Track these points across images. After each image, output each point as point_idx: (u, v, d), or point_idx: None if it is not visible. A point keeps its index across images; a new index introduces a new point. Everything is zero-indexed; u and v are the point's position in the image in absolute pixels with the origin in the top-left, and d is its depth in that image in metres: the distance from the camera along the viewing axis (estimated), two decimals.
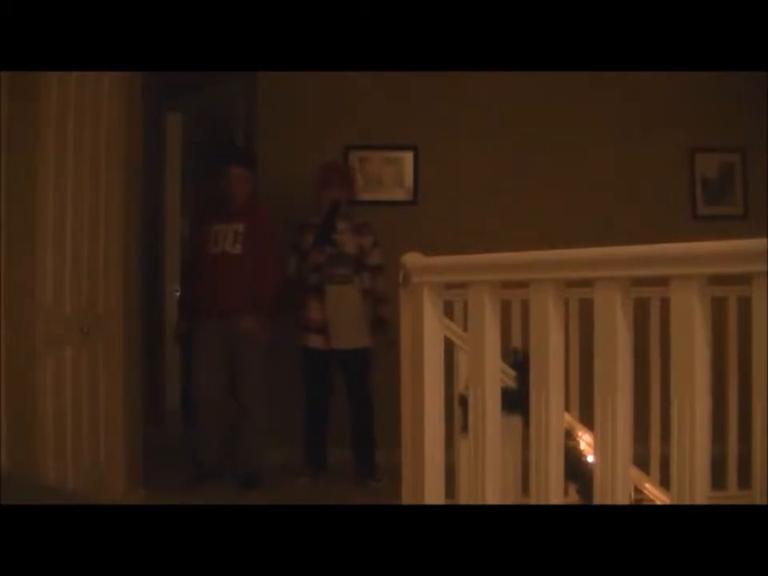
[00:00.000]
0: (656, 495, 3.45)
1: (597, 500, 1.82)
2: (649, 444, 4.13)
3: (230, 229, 5.02)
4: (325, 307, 5.03)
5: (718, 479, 3.82)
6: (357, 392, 5.14)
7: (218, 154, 5.45)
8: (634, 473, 3.30)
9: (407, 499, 2.61)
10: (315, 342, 5.07)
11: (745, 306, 3.24)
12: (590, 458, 3.11)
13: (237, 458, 5.07)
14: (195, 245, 5.24)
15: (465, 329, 2.92)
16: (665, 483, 3.12)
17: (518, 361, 3.24)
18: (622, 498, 1.79)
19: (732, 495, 4.05)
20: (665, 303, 2.01)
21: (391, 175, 5.72)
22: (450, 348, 3.00)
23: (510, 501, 2.99)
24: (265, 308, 4.97)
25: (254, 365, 5.00)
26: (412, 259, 2.60)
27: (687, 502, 1.60)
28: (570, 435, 3.07)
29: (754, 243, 1.46)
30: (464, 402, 2.76)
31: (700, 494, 1.60)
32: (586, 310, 3.09)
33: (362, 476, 5.09)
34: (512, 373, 3.22)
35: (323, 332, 5.05)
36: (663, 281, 1.69)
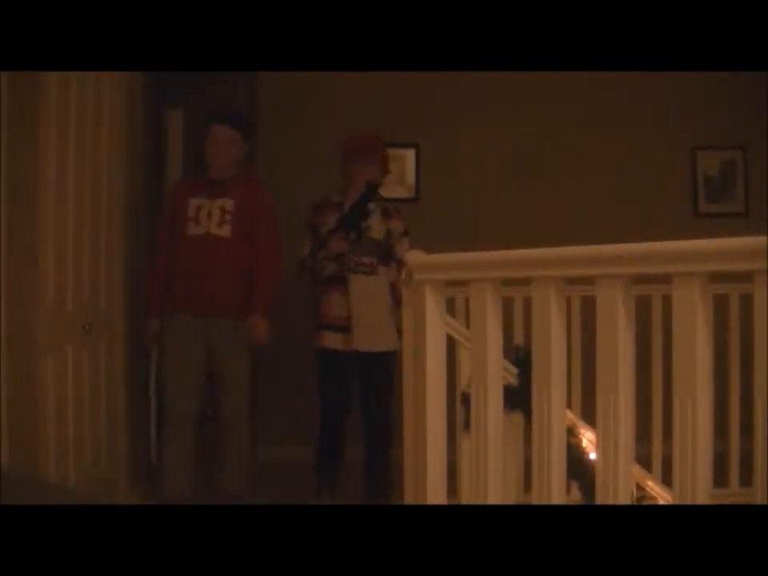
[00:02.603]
0: (658, 493, 3.45)
1: (599, 497, 1.82)
2: (651, 441, 4.14)
3: (215, 205, 4.10)
4: (347, 301, 4.25)
5: (719, 477, 3.82)
6: (376, 404, 4.32)
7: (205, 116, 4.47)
8: (636, 470, 3.30)
9: (409, 498, 2.62)
10: (333, 341, 4.29)
11: (746, 303, 3.24)
12: (592, 456, 3.11)
13: (220, 483, 4.23)
14: (170, 224, 4.20)
15: (467, 326, 2.93)
16: (667, 481, 3.12)
17: (520, 358, 3.25)
18: (624, 495, 1.79)
19: (734, 493, 4.05)
20: (666, 301, 2.01)
21: (393, 173, 5.70)
22: (452, 345, 3.00)
23: (511, 498, 3.00)
24: (265, 309, 4.15)
25: (239, 371, 4.18)
26: (414, 257, 2.61)
27: (689, 500, 1.60)
28: (571, 432, 3.07)
29: (756, 241, 1.47)
30: (466, 399, 2.77)
31: (702, 491, 1.60)
32: (588, 307, 3.09)
33: (371, 495, 4.38)
34: (514, 370, 3.23)
35: (344, 330, 4.25)
36: (665, 278, 1.70)
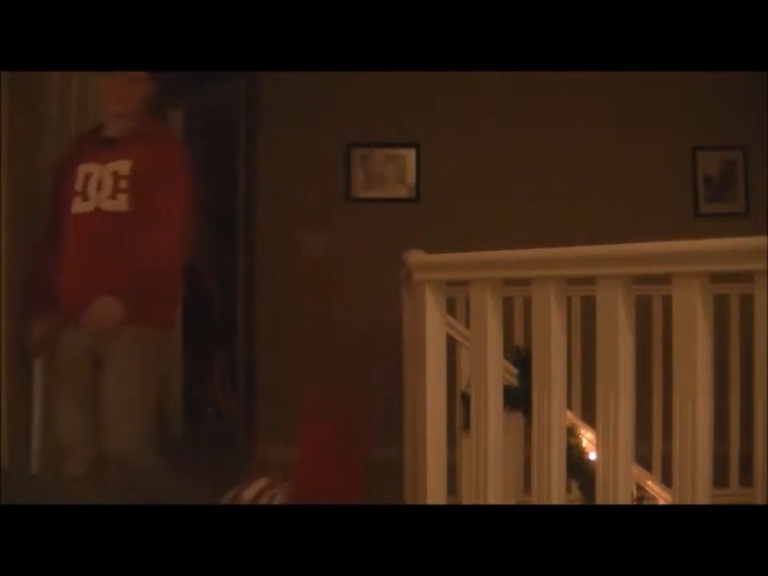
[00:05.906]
0: (658, 493, 3.45)
1: (599, 497, 1.82)
2: (651, 442, 4.14)
3: (106, 170, 2.99)
4: None
5: (719, 477, 3.82)
6: None
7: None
8: (636, 470, 3.31)
9: (409, 498, 2.62)
10: None
11: (747, 303, 3.24)
12: (592, 456, 3.11)
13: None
14: (51, 200, 3.15)
15: (467, 326, 2.93)
16: (667, 481, 3.12)
17: (520, 358, 3.25)
18: (624, 495, 1.79)
19: (734, 493, 4.06)
20: (667, 301, 2.01)
21: (393, 172, 5.71)
22: (452, 345, 3.00)
23: (511, 498, 3.00)
24: (144, 288, 2.95)
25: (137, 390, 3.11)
26: (414, 257, 2.61)
27: (689, 500, 1.60)
28: (572, 433, 3.08)
29: (756, 241, 1.47)
30: (466, 399, 2.77)
31: (702, 492, 1.60)
32: (589, 307, 3.09)
33: None
34: (514, 370, 3.24)
35: None
36: (665, 278, 1.70)
